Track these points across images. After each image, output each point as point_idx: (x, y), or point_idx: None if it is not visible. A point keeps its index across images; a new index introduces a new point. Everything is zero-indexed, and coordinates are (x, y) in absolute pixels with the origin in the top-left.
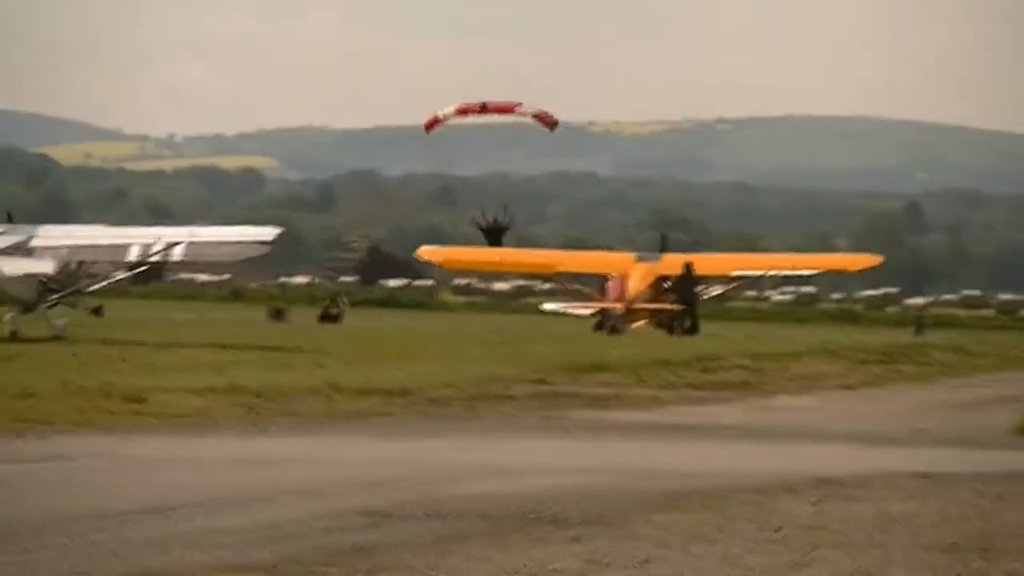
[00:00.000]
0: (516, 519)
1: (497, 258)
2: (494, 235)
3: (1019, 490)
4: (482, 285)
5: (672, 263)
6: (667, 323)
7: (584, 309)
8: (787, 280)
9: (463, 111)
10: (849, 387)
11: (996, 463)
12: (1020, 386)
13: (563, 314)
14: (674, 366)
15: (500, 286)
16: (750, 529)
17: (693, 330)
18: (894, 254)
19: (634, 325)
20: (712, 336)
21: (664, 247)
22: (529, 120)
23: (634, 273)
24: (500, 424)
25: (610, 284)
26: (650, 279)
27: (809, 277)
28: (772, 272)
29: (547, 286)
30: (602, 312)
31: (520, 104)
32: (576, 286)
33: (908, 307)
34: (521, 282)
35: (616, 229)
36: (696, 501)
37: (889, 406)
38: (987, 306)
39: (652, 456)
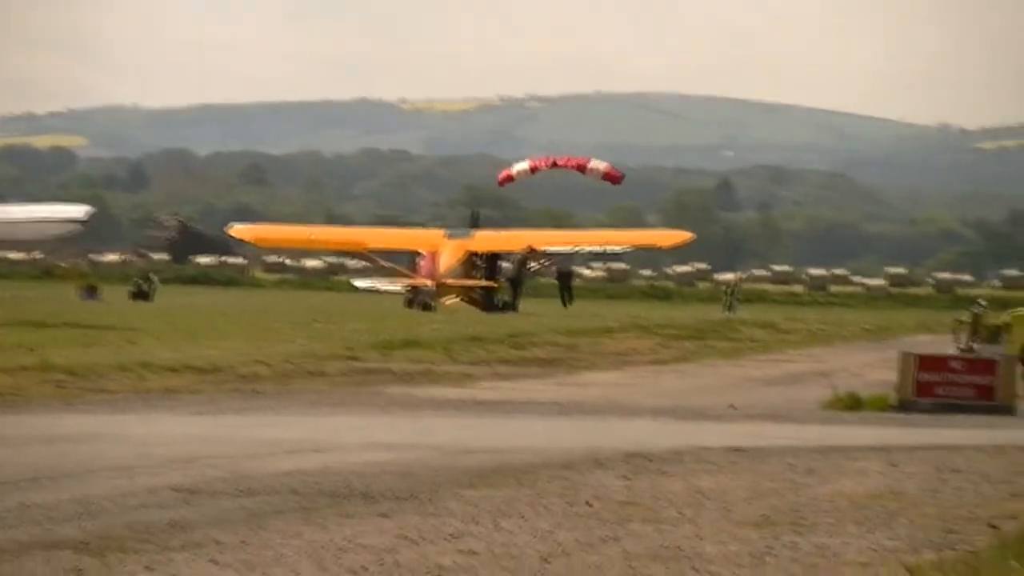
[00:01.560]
0: (327, 495)
1: (308, 236)
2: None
3: (830, 463)
4: (294, 263)
5: (483, 240)
6: (479, 300)
7: (396, 286)
8: (598, 257)
9: (534, 168)
10: (660, 362)
11: (807, 437)
12: (829, 361)
13: (375, 291)
14: (486, 342)
15: (312, 263)
16: (561, 504)
17: (509, 307)
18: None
19: (446, 302)
20: (524, 313)
21: (475, 224)
22: (599, 175)
23: (445, 250)
24: (312, 401)
25: (421, 261)
26: (460, 255)
27: (620, 254)
28: (583, 248)
29: (360, 264)
30: (413, 289)
31: (590, 159)
32: (387, 263)
33: (719, 283)
34: (333, 259)
35: (427, 207)
36: (507, 477)
37: (700, 381)
38: (797, 281)
39: (463, 432)
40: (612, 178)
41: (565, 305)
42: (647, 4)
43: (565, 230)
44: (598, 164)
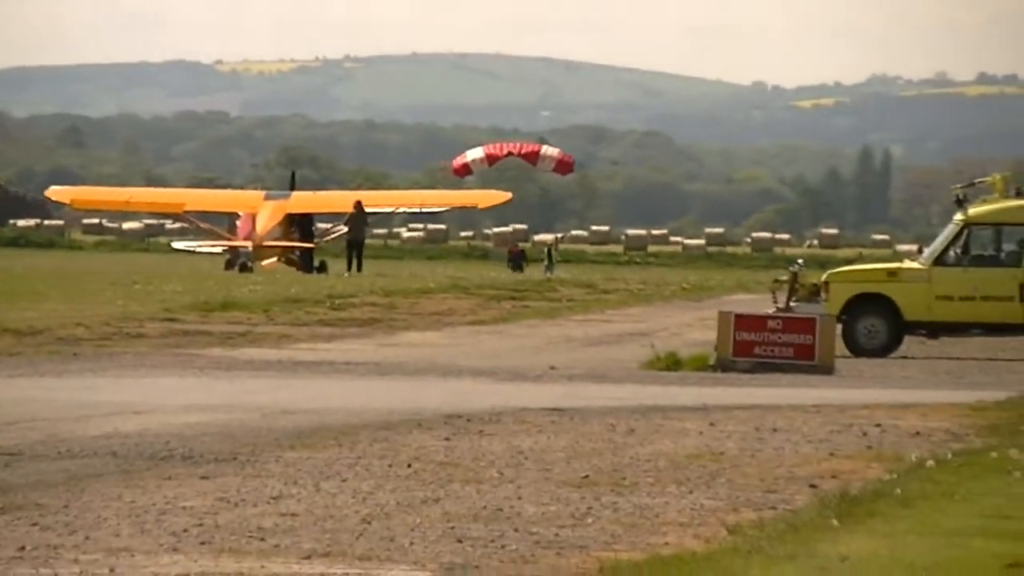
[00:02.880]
0: (147, 458)
1: (126, 198)
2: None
3: (650, 423)
4: (113, 224)
5: (302, 201)
6: (297, 261)
7: (214, 247)
8: (417, 217)
9: (490, 156)
10: (479, 323)
11: (627, 397)
12: (648, 321)
13: (194, 252)
14: (304, 303)
15: (131, 225)
16: (381, 465)
17: (324, 270)
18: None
19: (264, 263)
20: (343, 274)
21: (293, 185)
22: (551, 165)
23: (263, 211)
24: (131, 363)
25: (240, 222)
26: (279, 217)
27: (439, 214)
28: (401, 209)
29: (179, 225)
30: (232, 250)
31: (542, 147)
32: (206, 225)
33: (538, 243)
34: (152, 221)
35: (245, 168)
36: (327, 438)
37: (519, 342)
38: (616, 242)
39: (282, 393)
40: (563, 165)
41: (349, 271)
42: None
43: (383, 191)
44: (550, 151)
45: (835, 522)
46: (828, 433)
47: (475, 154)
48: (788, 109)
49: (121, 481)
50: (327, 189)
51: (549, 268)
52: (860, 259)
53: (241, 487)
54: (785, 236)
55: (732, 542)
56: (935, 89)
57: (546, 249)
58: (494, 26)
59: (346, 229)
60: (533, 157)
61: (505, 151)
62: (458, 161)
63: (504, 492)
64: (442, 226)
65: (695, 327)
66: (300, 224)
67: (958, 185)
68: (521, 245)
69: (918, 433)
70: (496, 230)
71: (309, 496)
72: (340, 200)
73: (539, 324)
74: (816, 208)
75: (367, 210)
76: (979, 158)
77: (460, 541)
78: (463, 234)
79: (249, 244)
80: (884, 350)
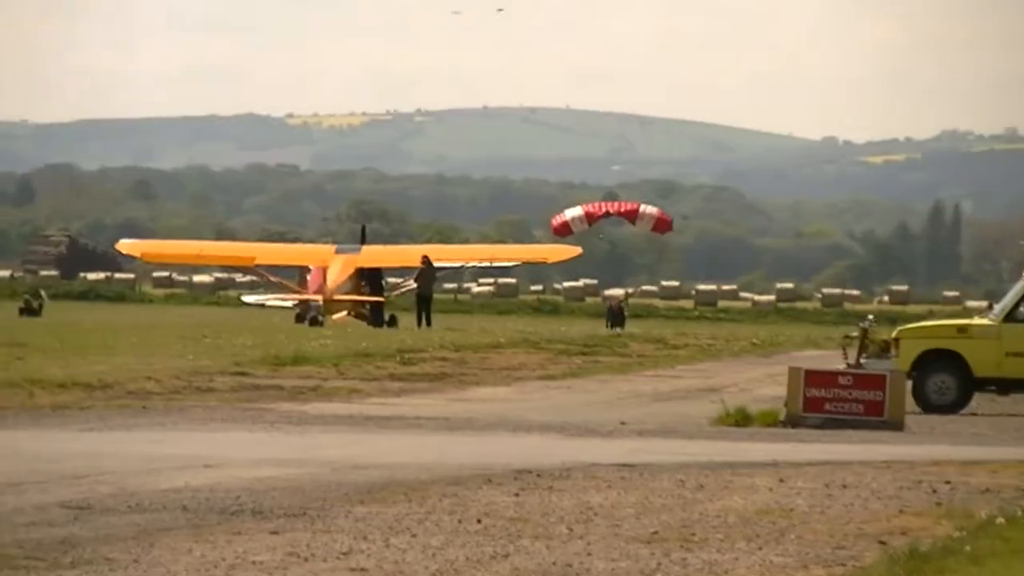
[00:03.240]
0: (217, 512)
1: (197, 251)
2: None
3: (720, 479)
4: (183, 277)
5: (372, 255)
6: (367, 315)
7: (285, 301)
8: (487, 271)
9: (589, 215)
10: (550, 377)
11: (696, 453)
12: (718, 376)
13: (264, 306)
14: (374, 357)
15: (201, 279)
16: (450, 521)
17: (395, 323)
18: (592, 244)
19: (335, 317)
20: (413, 328)
21: (363, 239)
22: (651, 222)
23: (333, 265)
24: (201, 417)
25: (310, 276)
26: (350, 271)
27: (509, 268)
28: (472, 263)
29: (249, 279)
30: (302, 304)
31: (640, 205)
32: (277, 278)
33: (607, 298)
34: (222, 274)
35: (316, 221)
36: (396, 493)
37: (589, 397)
38: (686, 296)
39: (352, 448)
40: (663, 223)
41: (419, 326)
42: (527, 16)
43: (453, 244)
44: (649, 210)
45: (906, 569)
46: (897, 489)
47: (574, 212)
48: (858, 164)
49: (191, 536)
50: (397, 243)
51: (617, 323)
52: (930, 315)
53: (311, 542)
54: (855, 292)
55: None
56: (1006, 144)
57: (610, 303)
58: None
59: (415, 284)
60: (632, 215)
61: (604, 210)
62: (558, 220)
63: (574, 548)
64: (512, 280)
65: (765, 383)
66: (370, 278)
67: None
68: (621, 302)
69: (988, 490)
70: (566, 284)
71: (379, 551)
72: (410, 254)
73: (609, 379)
74: (886, 264)
75: (436, 264)
76: None
77: None
78: (533, 288)
79: (320, 298)
80: (954, 406)
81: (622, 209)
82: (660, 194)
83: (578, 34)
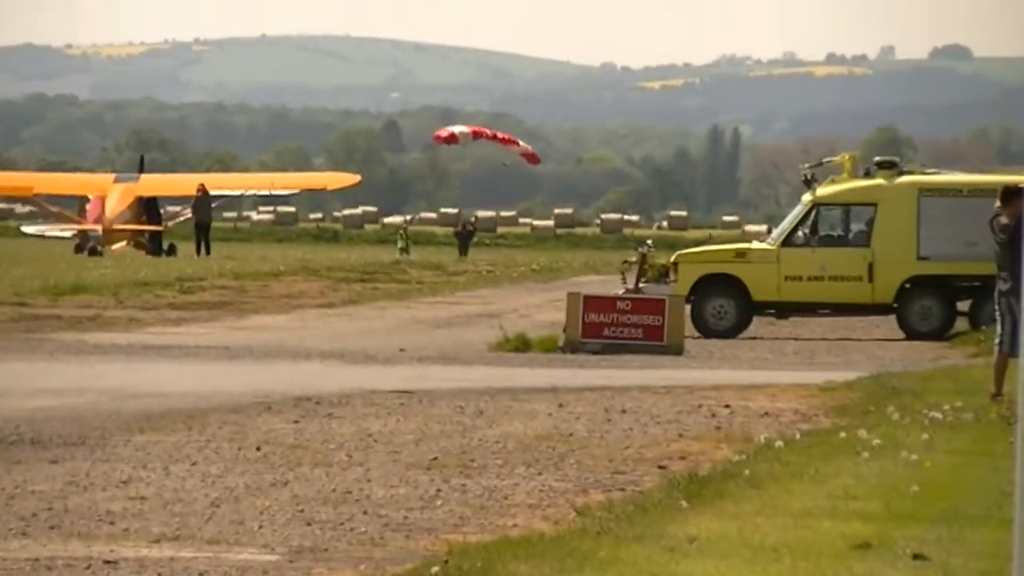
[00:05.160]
0: None
1: None
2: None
3: (499, 405)
4: None
5: (152, 184)
6: (146, 244)
7: (64, 231)
8: (267, 200)
9: (477, 134)
10: (329, 305)
11: (476, 379)
12: (498, 303)
13: (44, 236)
14: (154, 287)
15: None
16: (230, 449)
17: (173, 252)
18: (372, 171)
19: (115, 247)
20: (192, 257)
21: (142, 168)
22: (519, 155)
23: (112, 194)
24: None
25: (89, 206)
26: (129, 200)
27: (288, 196)
28: (251, 191)
29: (28, 209)
30: (81, 234)
31: (518, 140)
32: (56, 208)
33: (388, 226)
34: (1, 205)
35: (95, 152)
36: (176, 421)
37: (369, 324)
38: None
39: (131, 377)
40: (531, 158)
41: (199, 255)
42: None
43: (232, 173)
44: (523, 146)
45: (684, 503)
46: (676, 414)
47: (461, 128)
48: (636, 90)
49: None
50: (176, 172)
51: (405, 250)
52: (710, 240)
53: (90, 471)
54: (634, 217)
55: (581, 524)
56: (784, 69)
57: (401, 231)
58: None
59: (192, 213)
60: (511, 144)
61: (491, 133)
62: (445, 132)
63: (353, 474)
64: (291, 209)
65: (545, 308)
66: (148, 207)
67: (807, 165)
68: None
69: (767, 414)
70: (346, 212)
71: (158, 480)
72: (188, 183)
73: (389, 306)
74: (665, 189)
75: (212, 193)
76: (828, 137)
77: (309, 524)
78: (312, 216)
79: (99, 227)
80: (733, 331)
81: (502, 137)
82: (439, 121)
83: None
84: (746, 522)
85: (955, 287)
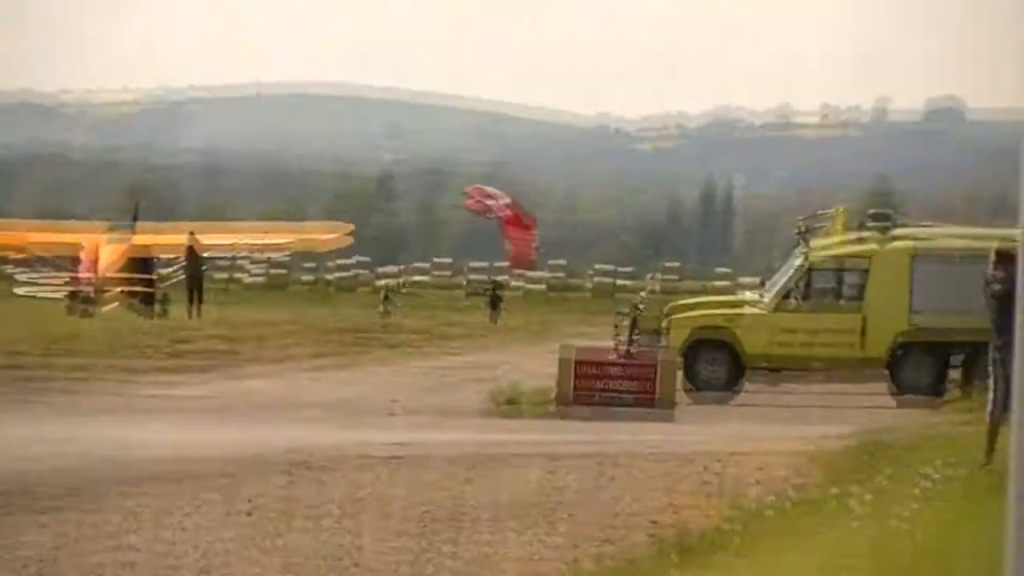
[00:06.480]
0: None
1: None
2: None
3: (489, 466)
4: None
5: (147, 239)
6: (139, 304)
7: (56, 291)
8: (260, 259)
9: (507, 222)
10: (320, 367)
11: (466, 440)
12: (488, 360)
13: (35, 298)
14: (146, 344)
15: None
16: (221, 507)
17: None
18: (367, 222)
19: (105, 308)
20: (184, 317)
21: (136, 216)
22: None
23: (104, 249)
24: None
25: (81, 267)
26: (121, 255)
27: (281, 250)
28: (244, 242)
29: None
30: (72, 294)
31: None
32: (46, 267)
33: (381, 275)
34: None
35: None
36: (168, 478)
37: (361, 384)
38: (459, 273)
39: (124, 434)
40: (518, 261)
41: (190, 316)
42: None
43: (226, 222)
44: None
45: (675, 569)
46: (667, 476)
47: (496, 212)
48: (630, 151)
49: None
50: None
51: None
52: (703, 292)
53: (81, 527)
54: (628, 269)
55: None
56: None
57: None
58: (340, 57)
59: (183, 273)
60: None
61: (521, 224)
62: (480, 203)
63: (344, 535)
64: (284, 271)
65: (537, 362)
66: (141, 262)
67: (800, 219)
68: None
69: (761, 468)
70: (339, 262)
71: (149, 537)
72: (180, 229)
73: (381, 366)
74: (659, 244)
75: (206, 244)
76: (824, 186)
77: None
78: (306, 265)
79: (91, 282)
80: (728, 384)
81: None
82: (434, 177)
83: (354, 9)
84: None
85: (948, 344)
